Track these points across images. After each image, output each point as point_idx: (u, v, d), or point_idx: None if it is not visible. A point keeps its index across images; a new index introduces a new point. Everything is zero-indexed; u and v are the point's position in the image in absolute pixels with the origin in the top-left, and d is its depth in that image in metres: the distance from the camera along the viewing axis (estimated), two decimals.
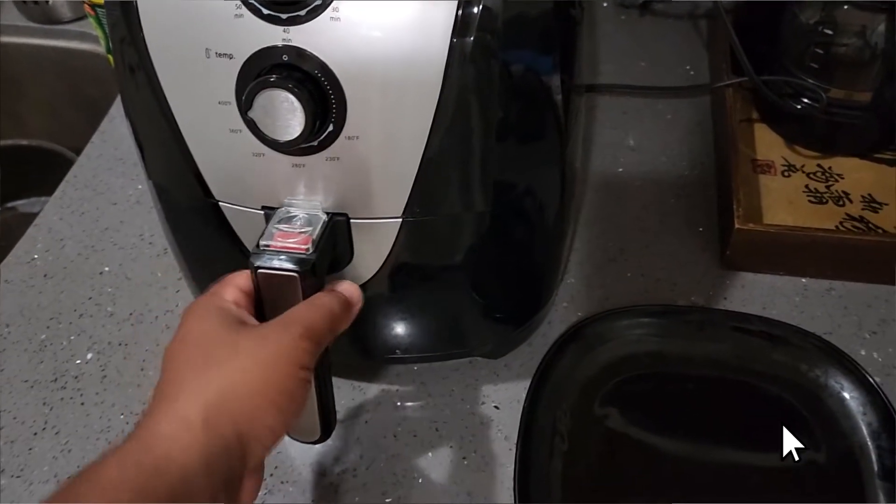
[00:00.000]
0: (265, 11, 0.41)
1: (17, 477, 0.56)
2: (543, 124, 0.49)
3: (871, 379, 0.56)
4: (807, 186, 0.71)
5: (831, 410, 0.56)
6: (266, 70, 0.42)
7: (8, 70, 0.98)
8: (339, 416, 0.57)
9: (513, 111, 0.46)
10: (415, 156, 0.44)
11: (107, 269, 0.69)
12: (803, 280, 0.65)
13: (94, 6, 0.76)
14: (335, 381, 0.48)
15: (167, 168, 0.50)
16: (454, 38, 0.41)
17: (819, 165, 0.73)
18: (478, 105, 0.44)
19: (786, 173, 0.72)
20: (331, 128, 0.43)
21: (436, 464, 0.56)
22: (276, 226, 0.44)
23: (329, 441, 0.50)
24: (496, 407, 0.58)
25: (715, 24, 0.87)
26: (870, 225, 0.67)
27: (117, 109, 0.83)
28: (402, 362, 0.61)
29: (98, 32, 0.77)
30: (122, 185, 0.76)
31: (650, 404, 0.57)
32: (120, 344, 0.63)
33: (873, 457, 0.53)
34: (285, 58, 0.41)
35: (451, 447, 0.56)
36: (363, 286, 0.48)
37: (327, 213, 0.46)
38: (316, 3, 0.40)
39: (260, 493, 0.43)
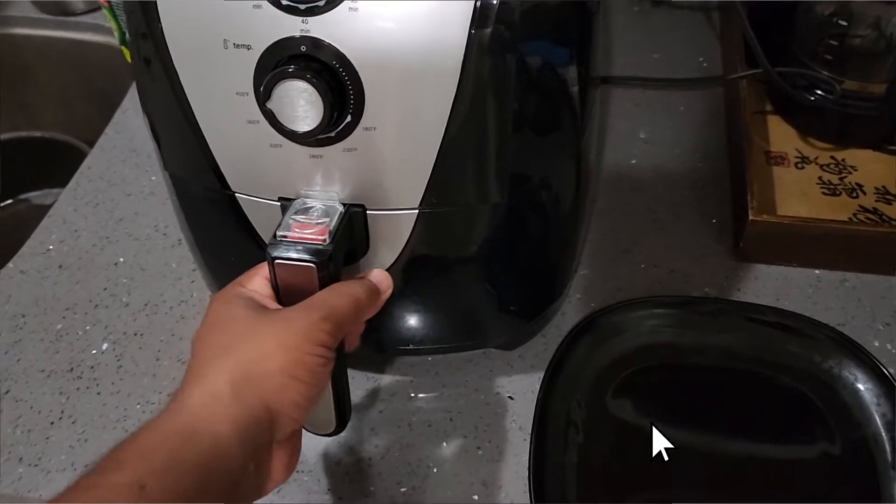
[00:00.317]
0: (283, 2, 0.41)
1: (35, 465, 0.57)
2: (560, 116, 0.49)
3: (885, 370, 0.56)
4: (820, 178, 0.71)
5: (845, 401, 0.56)
6: (284, 61, 0.42)
7: (21, 61, 0.99)
8: (354, 405, 0.57)
9: (530, 103, 0.46)
10: (432, 147, 0.44)
11: (121, 259, 0.69)
12: (817, 272, 0.65)
13: None
14: (350, 372, 0.48)
15: (183, 159, 0.51)
16: (473, 30, 0.41)
17: (832, 157, 0.72)
18: (495, 96, 0.44)
19: (799, 165, 0.72)
20: (348, 119, 0.43)
21: (450, 454, 0.56)
22: (294, 217, 0.44)
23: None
24: (510, 397, 0.59)
25: (728, 15, 0.86)
26: (883, 217, 0.67)
27: (130, 101, 0.84)
28: (415, 354, 0.61)
29: (112, 24, 0.77)
30: (136, 177, 0.76)
31: (664, 395, 0.57)
32: (135, 334, 0.64)
33: (887, 448, 0.53)
34: (303, 48, 0.42)
35: (465, 437, 0.57)
36: None
37: (344, 205, 0.46)
38: None
39: None
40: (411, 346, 0.57)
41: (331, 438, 0.57)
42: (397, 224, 0.48)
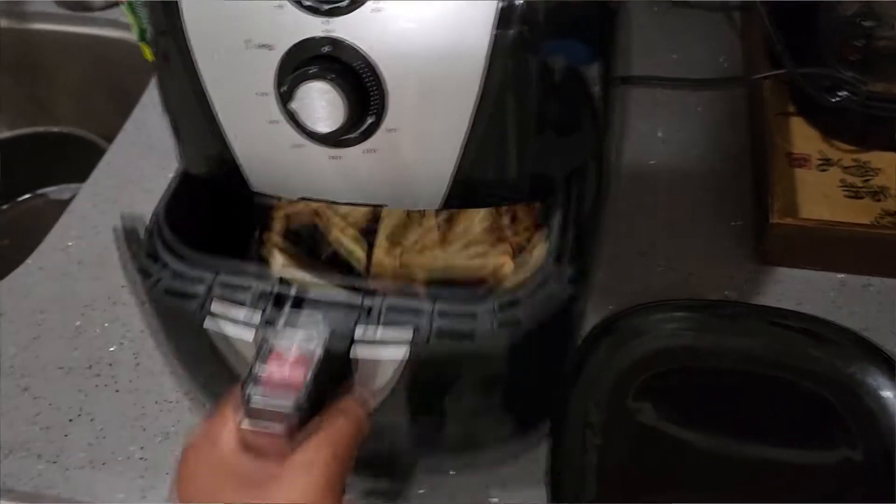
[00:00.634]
0: (306, 2, 0.41)
1: (54, 462, 0.57)
2: (582, 116, 0.49)
3: None
4: (843, 181, 0.70)
5: (869, 408, 0.55)
6: (306, 61, 0.42)
7: (39, 57, 0.99)
8: None
9: (552, 103, 0.46)
10: (454, 148, 0.44)
11: None
12: (839, 276, 0.65)
13: None
14: None
15: (204, 159, 0.51)
16: (497, 30, 0.41)
17: (856, 160, 0.71)
18: (518, 97, 0.44)
19: (822, 167, 0.71)
20: (371, 120, 0.43)
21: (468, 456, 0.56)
22: (265, 364, 0.40)
23: None
24: None
25: (749, 16, 0.85)
26: None
27: (149, 97, 0.84)
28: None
29: (131, 20, 0.77)
30: (154, 174, 0.76)
31: (684, 399, 0.57)
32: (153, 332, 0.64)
33: None
34: (326, 49, 0.41)
35: None
36: None
37: (325, 338, 0.42)
38: None
39: None
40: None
41: None
42: (382, 364, 0.44)
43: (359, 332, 0.43)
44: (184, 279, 0.46)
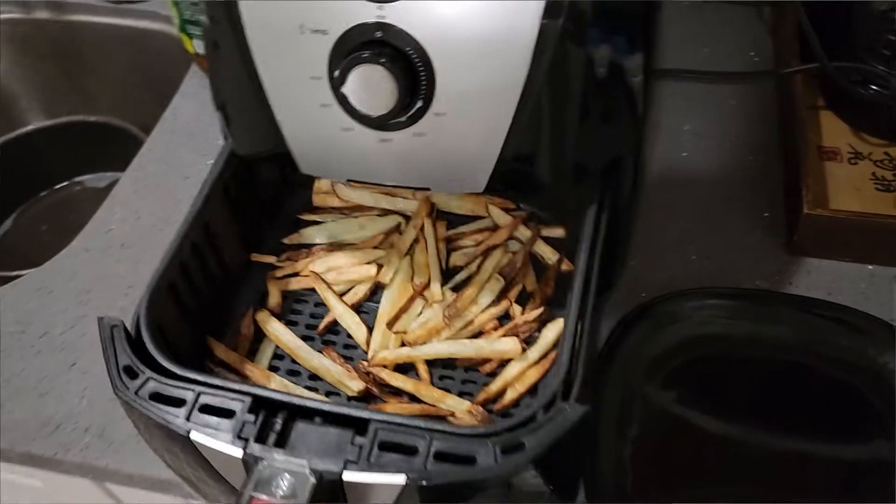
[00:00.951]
0: None
1: (99, 436, 0.59)
2: (623, 106, 0.50)
3: None
4: (874, 174, 0.70)
5: None
6: (359, 46, 0.43)
7: (79, 47, 1.01)
8: None
9: (596, 93, 0.47)
10: (499, 134, 0.45)
11: None
12: (870, 267, 0.65)
13: None
14: None
15: (255, 142, 0.52)
16: (545, 20, 0.42)
17: (886, 153, 0.72)
18: (563, 86, 0.45)
19: (852, 161, 0.72)
20: (420, 104, 0.44)
21: None
22: (254, 493, 0.40)
23: None
24: None
25: (781, 10, 0.86)
26: None
27: (188, 87, 0.85)
28: None
29: (172, 12, 0.79)
30: (194, 160, 0.78)
31: (715, 386, 0.58)
32: None
33: None
34: (378, 34, 0.43)
35: None
36: None
37: (314, 471, 0.41)
38: None
39: None
40: None
41: None
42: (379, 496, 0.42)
43: (348, 475, 0.41)
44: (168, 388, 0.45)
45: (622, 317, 0.60)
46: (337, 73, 0.44)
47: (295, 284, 0.61)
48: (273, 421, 0.43)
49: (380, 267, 0.61)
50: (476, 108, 0.45)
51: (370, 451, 0.42)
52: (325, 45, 0.44)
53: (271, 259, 0.63)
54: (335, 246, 0.63)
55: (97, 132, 1.05)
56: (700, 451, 0.55)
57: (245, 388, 0.45)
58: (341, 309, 0.59)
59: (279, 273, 0.62)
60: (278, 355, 0.58)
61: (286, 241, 0.64)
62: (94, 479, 0.68)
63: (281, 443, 0.43)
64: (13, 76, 1.04)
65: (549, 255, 0.62)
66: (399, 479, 0.40)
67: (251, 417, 0.43)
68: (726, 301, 0.60)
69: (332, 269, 0.61)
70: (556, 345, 0.54)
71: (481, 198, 0.65)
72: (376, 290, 0.61)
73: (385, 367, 0.56)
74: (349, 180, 0.49)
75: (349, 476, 0.41)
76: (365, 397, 0.55)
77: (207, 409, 0.44)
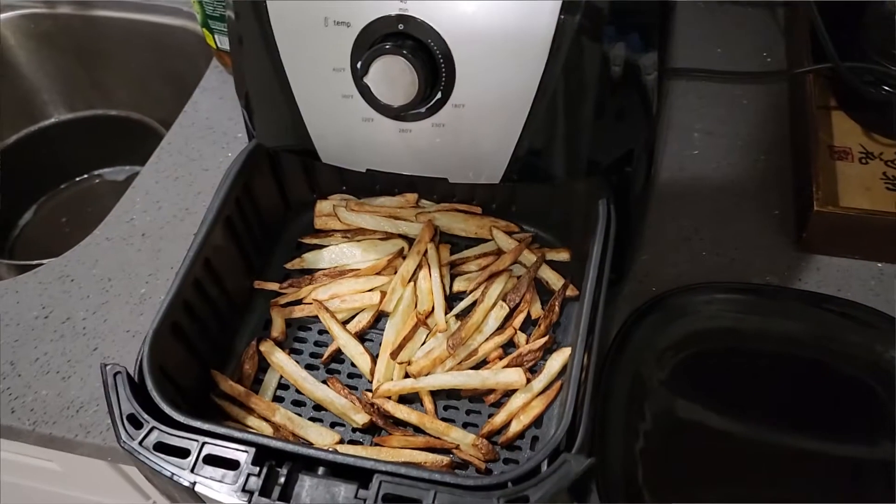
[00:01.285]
0: None
1: None
2: (637, 103, 0.51)
3: None
4: (884, 174, 0.71)
5: None
6: (381, 38, 0.44)
7: (99, 42, 1.03)
8: None
9: (611, 89, 0.48)
10: (517, 125, 0.47)
11: None
12: (879, 265, 0.66)
13: None
14: None
15: (277, 132, 0.53)
16: (562, 15, 0.43)
17: None
18: (580, 81, 0.46)
19: (863, 160, 0.73)
20: (439, 95, 0.45)
21: None
22: None
23: None
24: None
25: (793, 11, 0.87)
26: None
27: (208, 82, 0.87)
28: None
29: (195, 8, 0.81)
30: (213, 153, 0.80)
31: (724, 380, 0.58)
32: None
33: None
34: (401, 27, 0.44)
35: None
36: None
37: None
38: None
39: None
40: None
41: None
42: None
43: None
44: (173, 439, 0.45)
45: (633, 310, 0.61)
46: (359, 64, 0.45)
47: (298, 312, 0.61)
48: (277, 472, 0.43)
49: (383, 294, 0.60)
50: (494, 101, 0.46)
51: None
52: (348, 37, 0.45)
53: (274, 286, 0.62)
54: (338, 271, 0.63)
55: (117, 126, 1.07)
56: (708, 444, 0.55)
57: (249, 437, 0.45)
58: (345, 339, 0.58)
59: (282, 300, 0.62)
60: (283, 385, 0.58)
61: (289, 266, 0.64)
62: (111, 462, 0.70)
63: (285, 497, 0.43)
64: (35, 70, 1.06)
65: (554, 280, 0.61)
66: None
67: (255, 469, 0.43)
68: (736, 295, 0.61)
69: (336, 297, 0.61)
70: (560, 374, 0.55)
71: (486, 220, 0.64)
72: (380, 316, 0.61)
73: (389, 398, 0.56)
74: (368, 169, 0.50)
75: None
76: (370, 428, 0.55)
77: (212, 460, 0.44)
